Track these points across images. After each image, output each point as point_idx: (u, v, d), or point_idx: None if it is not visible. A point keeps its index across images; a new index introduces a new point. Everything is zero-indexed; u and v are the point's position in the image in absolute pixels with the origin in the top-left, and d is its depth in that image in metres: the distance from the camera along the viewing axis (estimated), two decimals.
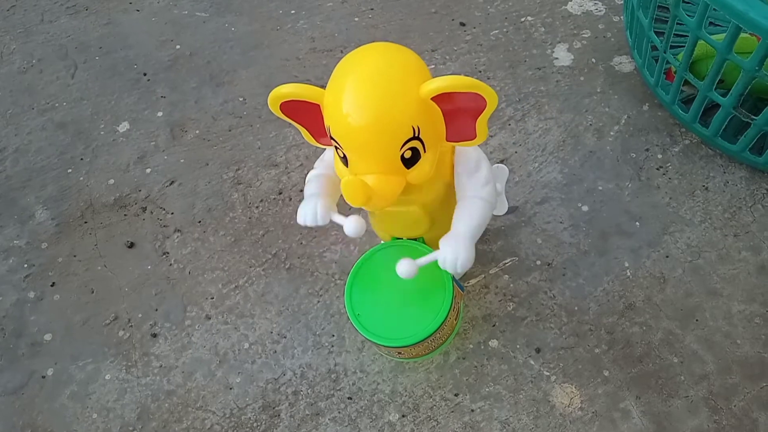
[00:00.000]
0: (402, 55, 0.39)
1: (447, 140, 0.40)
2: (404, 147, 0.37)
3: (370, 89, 0.37)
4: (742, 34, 0.52)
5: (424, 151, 0.39)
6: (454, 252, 0.41)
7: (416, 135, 0.37)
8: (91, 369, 0.58)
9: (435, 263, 0.43)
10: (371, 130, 0.37)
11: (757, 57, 0.51)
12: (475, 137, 0.40)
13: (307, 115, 0.41)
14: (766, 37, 0.49)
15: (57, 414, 0.56)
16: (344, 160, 0.39)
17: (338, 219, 0.44)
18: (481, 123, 0.38)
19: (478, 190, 0.44)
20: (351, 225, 0.43)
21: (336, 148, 0.39)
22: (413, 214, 0.45)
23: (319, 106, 0.40)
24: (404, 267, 0.42)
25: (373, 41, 0.40)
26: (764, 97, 0.62)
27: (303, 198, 0.45)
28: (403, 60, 0.38)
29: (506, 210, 0.61)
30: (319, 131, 0.43)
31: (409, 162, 0.39)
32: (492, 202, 0.44)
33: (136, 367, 0.58)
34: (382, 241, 0.53)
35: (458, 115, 0.38)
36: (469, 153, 0.44)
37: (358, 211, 0.63)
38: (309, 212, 0.44)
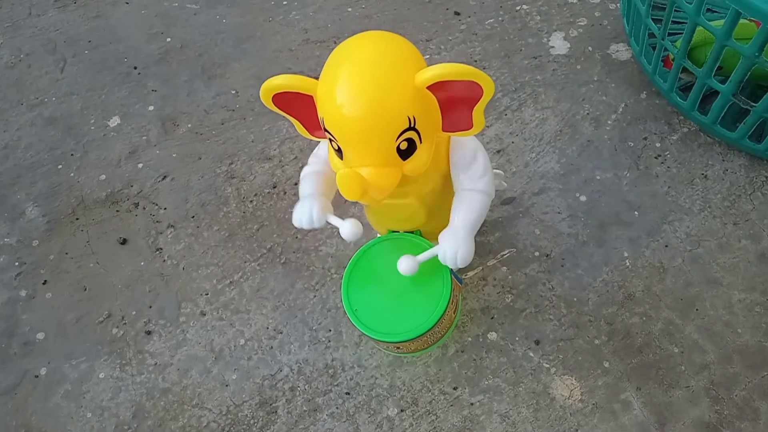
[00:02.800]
0: (396, 43, 0.38)
1: (443, 131, 0.39)
2: (400, 138, 0.37)
3: (364, 79, 0.36)
4: (742, 20, 0.51)
5: (420, 142, 0.38)
6: (454, 247, 0.41)
7: (412, 125, 0.37)
8: (84, 367, 0.57)
9: (435, 257, 0.42)
10: (366, 121, 0.36)
11: (756, 43, 0.51)
12: (472, 127, 0.39)
13: (301, 107, 0.40)
14: (766, 23, 0.48)
15: (51, 414, 0.55)
16: (339, 152, 0.39)
17: (335, 221, 0.44)
18: (478, 112, 0.38)
19: (476, 182, 0.43)
20: (347, 228, 0.43)
21: (330, 140, 0.38)
22: (410, 207, 0.45)
23: (312, 97, 0.39)
24: (405, 264, 0.42)
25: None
26: (763, 84, 0.61)
27: (297, 192, 0.44)
28: (397, 49, 0.38)
29: (505, 186, 0.60)
30: (313, 124, 0.42)
31: (405, 153, 0.38)
32: (490, 194, 0.44)
33: (131, 365, 0.57)
34: (378, 235, 0.53)
35: (454, 104, 0.38)
36: (464, 144, 0.43)
37: (355, 206, 0.63)
38: (305, 214, 0.43)
